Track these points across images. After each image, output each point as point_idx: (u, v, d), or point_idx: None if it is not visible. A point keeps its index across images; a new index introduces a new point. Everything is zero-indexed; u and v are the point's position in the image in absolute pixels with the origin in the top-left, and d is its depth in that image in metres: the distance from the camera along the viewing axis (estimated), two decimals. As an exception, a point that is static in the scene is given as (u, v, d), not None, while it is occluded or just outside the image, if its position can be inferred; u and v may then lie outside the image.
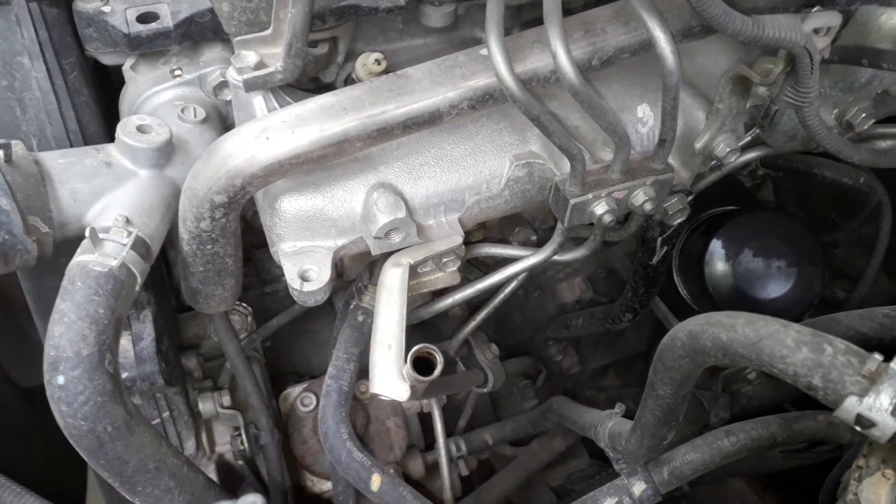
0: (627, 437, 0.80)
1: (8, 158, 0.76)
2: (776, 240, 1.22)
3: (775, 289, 1.22)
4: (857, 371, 0.51)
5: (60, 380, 0.70)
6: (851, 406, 0.51)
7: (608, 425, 0.89)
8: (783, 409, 1.14)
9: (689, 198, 0.93)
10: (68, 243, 0.83)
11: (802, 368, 0.52)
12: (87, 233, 0.76)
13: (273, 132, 0.76)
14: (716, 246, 1.24)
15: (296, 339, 1.44)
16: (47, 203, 0.79)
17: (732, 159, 0.91)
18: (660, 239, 1.00)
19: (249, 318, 1.28)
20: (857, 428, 0.51)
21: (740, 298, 1.22)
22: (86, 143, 0.93)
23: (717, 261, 1.24)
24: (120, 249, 0.75)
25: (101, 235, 0.76)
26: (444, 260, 0.90)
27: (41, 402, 1.52)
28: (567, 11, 1.06)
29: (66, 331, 0.71)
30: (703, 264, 1.24)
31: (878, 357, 0.51)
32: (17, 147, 0.78)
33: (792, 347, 0.53)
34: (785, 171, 1.26)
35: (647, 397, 0.71)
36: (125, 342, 0.99)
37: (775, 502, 1.57)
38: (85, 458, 0.74)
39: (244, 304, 1.27)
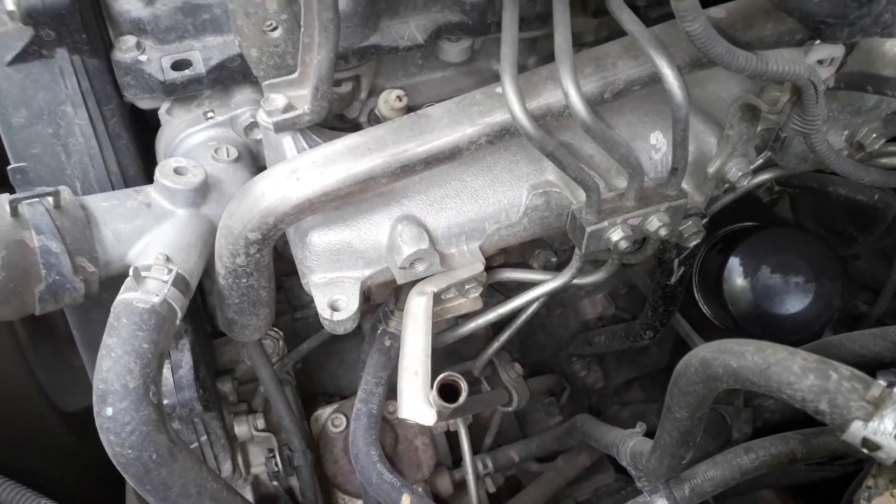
0: (648, 457, 0.83)
1: (57, 204, 0.82)
2: (794, 256, 1.24)
3: (794, 304, 1.23)
4: (861, 396, 0.53)
5: (109, 411, 0.75)
6: (857, 430, 0.53)
7: (629, 444, 0.92)
8: (805, 422, 1.15)
9: (704, 220, 0.96)
10: (111, 280, 0.89)
11: (809, 394, 0.55)
12: (130, 272, 0.81)
13: (303, 172, 0.81)
14: (734, 263, 1.25)
15: (325, 360, 1.49)
16: (93, 244, 0.84)
17: (745, 182, 0.93)
18: (676, 260, 1.03)
19: (281, 343, 1.33)
20: (864, 451, 0.54)
21: (760, 315, 1.24)
22: (126, 184, 0.99)
23: (736, 277, 1.25)
24: (161, 287, 0.80)
25: (143, 274, 0.81)
26: (467, 287, 0.94)
27: (82, 426, 1.59)
28: (579, 44, 1.11)
29: (114, 365, 0.75)
30: (721, 281, 1.26)
31: (882, 383, 0.53)
32: (65, 193, 0.84)
33: (799, 374, 0.56)
34: (799, 189, 1.28)
35: (664, 419, 0.73)
36: (165, 370, 1.04)
37: (806, 513, 1.57)
38: (132, 484, 0.78)
39: (276, 329, 1.32)
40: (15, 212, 0.79)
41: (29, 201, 0.80)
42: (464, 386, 0.76)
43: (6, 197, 0.80)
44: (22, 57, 0.92)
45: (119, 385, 0.74)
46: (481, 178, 0.94)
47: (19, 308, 0.81)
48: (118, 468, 0.77)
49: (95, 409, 0.76)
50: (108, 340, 0.77)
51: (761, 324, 1.24)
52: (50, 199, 0.81)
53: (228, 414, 1.21)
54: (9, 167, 0.86)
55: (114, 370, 0.75)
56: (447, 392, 0.78)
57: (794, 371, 0.55)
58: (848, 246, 1.39)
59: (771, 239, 1.26)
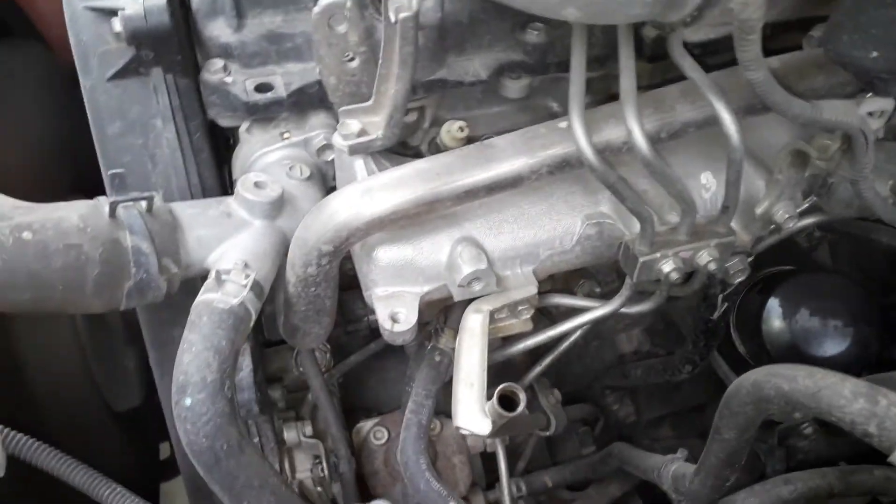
0: (691, 479, 0.86)
1: (149, 208, 0.89)
2: (832, 300, 1.27)
3: (832, 347, 1.26)
4: (907, 422, 0.57)
5: (188, 401, 0.80)
6: (902, 454, 0.57)
7: (672, 468, 0.95)
8: (838, 465, 1.17)
9: (750, 259, 1.00)
10: (187, 281, 0.95)
11: (859, 417, 0.59)
12: (212, 274, 0.88)
13: (376, 192, 0.87)
14: (773, 304, 1.29)
15: (366, 377, 1.53)
16: (178, 247, 0.91)
17: (791, 225, 0.97)
18: (721, 296, 1.07)
19: (328, 355, 1.38)
20: (909, 474, 0.57)
21: (797, 356, 1.26)
22: (204, 194, 1.06)
23: (775, 319, 1.29)
24: (240, 290, 0.86)
25: (223, 277, 0.87)
26: (519, 308, 0.99)
27: (128, 426, 1.64)
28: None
29: (194, 359, 0.81)
30: (760, 322, 1.29)
31: (929, 409, 0.57)
32: (157, 199, 0.91)
33: (849, 398, 0.60)
34: (841, 234, 1.31)
35: (711, 441, 0.77)
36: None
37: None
38: (202, 473, 0.83)
39: (325, 343, 1.37)
40: (113, 213, 0.86)
41: (125, 204, 0.87)
42: (522, 396, 0.81)
43: (106, 199, 0.87)
44: (121, 74, 1.00)
45: (198, 377, 0.80)
46: (538, 206, 0.99)
47: (109, 301, 0.87)
48: (191, 457, 0.82)
49: (174, 398, 0.81)
50: (189, 336, 0.83)
51: (798, 364, 1.26)
52: (143, 203, 0.88)
53: (278, 420, 1.26)
54: (108, 172, 0.94)
55: (194, 363, 0.81)
56: (504, 403, 0.83)
57: (844, 395, 0.59)
58: (887, 294, 1.41)
59: (811, 282, 1.29)
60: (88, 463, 1.07)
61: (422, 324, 1.22)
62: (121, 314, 1.09)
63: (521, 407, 0.80)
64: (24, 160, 1.49)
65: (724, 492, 0.85)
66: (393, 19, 0.84)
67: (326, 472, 1.21)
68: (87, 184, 1.06)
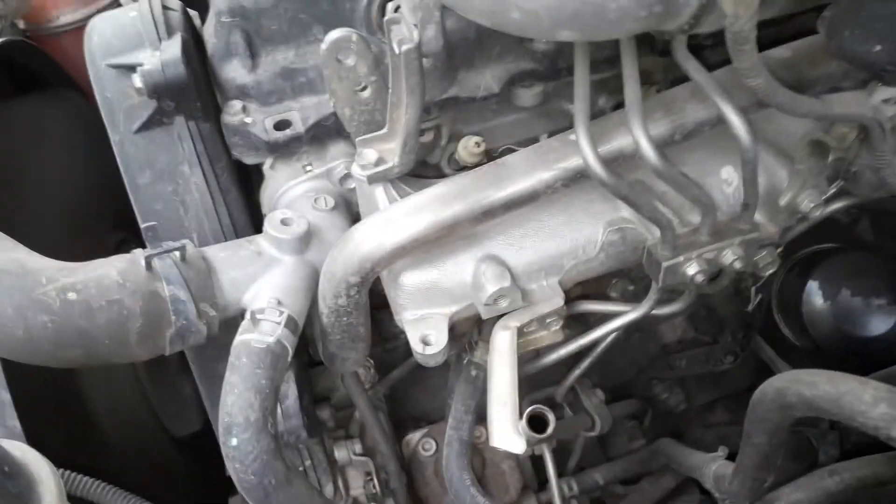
0: (730, 480, 0.86)
1: (183, 257, 0.93)
2: (875, 278, 1.24)
3: (877, 327, 1.23)
4: (931, 425, 0.56)
5: (234, 442, 0.84)
6: (929, 456, 0.56)
7: (712, 468, 0.95)
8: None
9: (779, 250, 0.99)
10: (226, 321, 0.99)
11: (881, 422, 0.58)
12: (247, 315, 0.91)
13: (396, 221, 0.89)
14: (813, 286, 1.26)
15: (409, 387, 1.56)
16: (213, 291, 0.95)
17: (818, 213, 0.96)
18: (753, 288, 1.05)
19: (372, 371, 1.41)
20: (938, 477, 0.57)
21: (841, 338, 1.24)
22: (236, 233, 1.10)
23: (816, 300, 1.26)
24: (275, 328, 0.90)
25: (258, 317, 0.91)
26: (548, 320, 1.00)
27: (189, 450, 1.71)
28: (649, 83, 1.15)
29: (237, 400, 0.85)
30: (801, 304, 1.27)
31: (953, 411, 0.56)
32: (189, 247, 0.95)
33: (870, 403, 0.59)
34: (877, 213, 1.28)
35: (744, 444, 0.77)
36: (273, 401, 1.13)
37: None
38: (254, 507, 0.87)
39: (368, 358, 1.41)
40: (149, 266, 0.90)
41: (160, 256, 0.91)
42: (551, 418, 0.83)
43: (141, 253, 0.91)
44: (147, 125, 1.05)
45: (242, 418, 0.84)
46: (558, 217, 1.00)
47: (153, 349, 0.92)
48: (242, 493, 0.86)
49: (221, 439, 0.85)
50: (230, 378, 0.87)
51: (843, 347, 1.24)
52: (177, 253, 0.92)
53: (328, 439, 1.30)
54: (142, 225, 0.98)
55: (237, 405, 0.85)
56: (535, 422, 0.84)
57: (865, 400, 0.59)
58: (932, 267, 1.37)
59: (851, 261, 1.27)
60: (153, 488, 1.13)
61: (459, 335, 1.25)
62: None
63: (551, 428, 0.82)
64: (68, 204, 1.56)
65: (766, 490, 0.85)
66: (396, 51, 0.86)
67: (378, 488, 1.25)
68: (127, 223, 1.11)
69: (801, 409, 0.63)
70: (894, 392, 0.58)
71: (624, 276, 1.26)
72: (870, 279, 1.23)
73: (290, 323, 0.91)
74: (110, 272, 0.88)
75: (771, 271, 0.99)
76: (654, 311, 1.04)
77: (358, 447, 1.28)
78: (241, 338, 0.89)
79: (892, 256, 1.28)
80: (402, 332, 1.34)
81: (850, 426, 1.25)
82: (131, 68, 1.02)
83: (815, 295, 1.26)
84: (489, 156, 1.10)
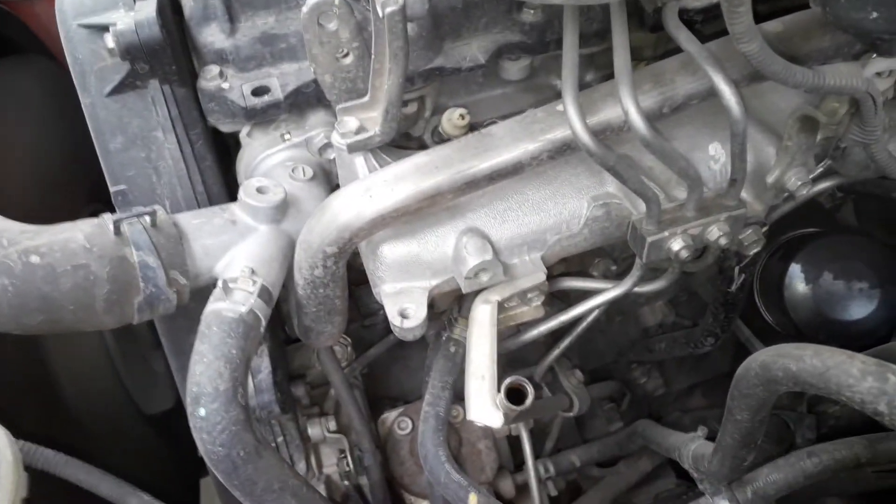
0: (710, 459, 0.85)
1: (153, 223, 0.89)
2: (857, 262, 1.23)
3: (858, 311, 1.23)
4: (919, 399, 0.55)
5: (202, 412, 0.81)
6: (916, 432, 0.55)
7: (691, 447, 0.94)
8: (872, 428, 1.15)
9: (764, 228, 0.97)
10: (199, 290, 0.96)
11: (868, 396, 0.57)
12: (219, 284, 0.88)
13: (375, 190, 0.86)
14: (795, 269, 1.26)
15: (390, 365, 1.54)
16: (185, 259, 0.92)
17: (805, 191, 0.94)
18: (737, 268, 1.04)
19: (349, 349, 1.39)
20: (924, 452, 0.56)
21: (822, 322, 1.24)
22: (210, 202, 1.07)
23: (797, 284, 1.26)
24: (248, 297, 0.87)
25: (231, 285, 0.88)
26: (529, 295, 0.98)
27: (162, 428, 1.68)
28: (639, 59, 1.14)
29: (206, 370, 0.82)
30: (783, 288, 1.27)
31: (941, 386, 0.55)
32: (160, 212, 0.91)
33: (858, 377, 0.58)
34: (861, 195, 1.28)
35: (726, 422, 0.76)
36: (246, 375, 1.11)
37: (875, 522, 1.54)
38: (222, 479, 0.85)
39: (344, 336, 1.38)
40: (117, 230, 0.87)
41: (129, 220, 0.88)
42: (530, 389, 0.81)
43: (110, 217, 0.88)
44: (119, 88, 1.01)
45: (211, 388, 0.81)
46: (542, 190, 0.98)
47: (121, 317, 0.89)
48: (209, 465, 0.84)
49: (189, 409, 0.82)
50: (199, 347, 0.84)
51: (824, 330, 1.24)
52: (147, 217, 0.89)
53: (302, 416, 1.28)
54: (111, 190, 0.95)
55: (206, 374, 0.82)
56: (514, 395, 0.82)
57: (852, 374, 0.57)
58: (915, 252, 1.37)
59: (833, 244, 1.26)
60: (123, 466, 1.10)
61: (438, 313, 1.22)
62: (146, 321, 1.11)
63: (530, 400, 0.80)
64: (39, 174, 1.51)
65: (745, 469, 0.84)
66: (380, 14, 0.83)
67: (351, 466, 1.23)
68: (103, 194, 1.07)
69: (787, 383, 0.62)
70: (883, 366, 0.57)
71: (606, 256, 1.25)
72: (852, 263, 1.23)
73: (264, 293, 0.89)
74: (76, 236, 0.85)
75: (756, 250, 0.97)
76: (636, 289, 1.03)
77: (332, 424, 1.26)
78: (212, 306, 0.87)
79: (875, 240, 1.28)
80: (381, 309, 1.33)
81: (827, 412, 1.27)
82: (104, 28, 0.98)
83: (797, 278, 1.25)
84: (474, 129, 1.07)
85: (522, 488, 1.38)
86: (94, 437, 1.40)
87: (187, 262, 0.92)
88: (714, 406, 1.76)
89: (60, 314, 0.82)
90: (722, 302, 1.13)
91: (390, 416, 1.37)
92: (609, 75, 0.89)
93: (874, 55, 0.81)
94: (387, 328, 1.39)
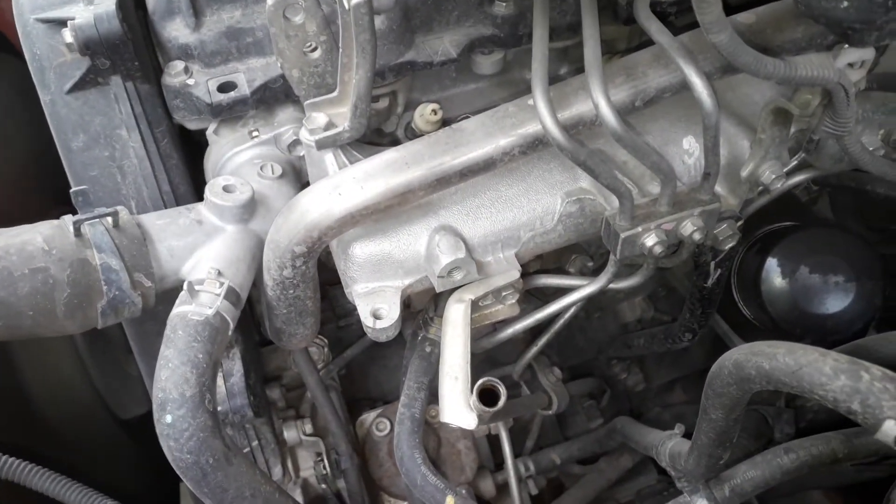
0: (686, 458, 0.84)
1: (115, 224, 0.87)
2: (832, 255, 1.23)
3: (834, 304, 1.23)
4: (893, 396, 0.54)
5: (168, 419, 0.79)
6: (890, 429, 0.54)
7: (668, 446, 0.93)
8: (850, 422, 1.14)
9: (739, 223, 0.96)
10: (166, 293, 0.93)
11: (841, 395, 0.56)
12: (185, 286, 0.86)
13: (344, 188, 0.84)
14: (771, 263, 1.25)
15: (368, 366, 1.52)
16: (149, 261, 0.89)
17: (779, 185, 0.94)
18: (713, 263, 1.03)
19: (326, 350, 1.37)
20: (897, 449, 0.55)
21: (799, 316, 1.23)
22: (177, 202, 1.04)
23: (774, 278, 1.25)
24: (214, 300, 0.85)
25: (196, 288, 0.85)
26: (504, 293, 0.96)
27: (138, 432, 1.65)
28: (612, 52, 1.12)
29: (171, 375, 0.80)
30: (760, 282, 1.26)
31: (915, 382, 0.54)
32: (123, 212, 0.89)
33: (830, 375, 0.57)
34: (837, 188, 1.27)
35: (700, 420, 0.75)
36: (217, 379, 1.08)
37: (857, 514, 1.55)
38: (191, 487, 0.83)
39: (321, 337, 1.36)
40: (78, 232, 0.84)
41: (90, 222, 0.85)
42: (502, 390, 0.79)
43: (70, 218, 0.85)
44: (80, 85, 0.98)
45: (177, 394, 0.79)
46: (515, 187, 0.96)
47: (83, 322, 0.86)
48: (178, 472, 0.81)
49: (155, 416, 0.80)
50: (165, 352, 0.81)
51: (801, 324, 1.24)
52: (109, 219, 0.86)
53: (277, 419, 1.25)
54: (71, 190, 0.92)
55: (172, 380, 0.79)
56: (487, 396, 0.81)
57: (825, 372, 0.56)
58: (890, 244, 1.37)
59: (809, 238, 1.26)
60: (98, 473, 1.07)
61: (414, 312, 1.21)
62: (119, 324, 1.08)
63: (502, 401, 0.78)
64: (4, 176, 1.47)
65: (722, 468, 0.83)
66: (346, 6, 0.81)
67: (329, 469, 1.21)
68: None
69: (760, 382, 0.61)
70: (855, 364, 0.56)
71: (583, 252, 1.24)
72: (828, 256, 1.23)
73: (231, 294, 0.86)
74: (35, 238, 0.82)
75: (731, 245, 0.96)
76: (612, 285, 1.01)
77: (308, 427, 1.24)
78: (177, 310, 0.84)
79: (851, 234, 1.28)
80: (355, 310, 1.31)
81: (805, 406, 1.26)
82: (62, 23, 0.95)
83: (773, 272, 1.25)
84: (447, 125, 1.06)
85: (503, 487, 1.37)
86: (67, 444, 1.37)
87: (152, 265, 0.89)
88: (694, 401, 1.76)
89: (19, 320, 0.80)
90: (698, 297, 1.12)
91: (368, 417, 1.35)
92: (583, 68, 0.88)
93: (846, 45, 0.80)
94: (363, 328, 1.37)
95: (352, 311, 1.34)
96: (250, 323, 1.27)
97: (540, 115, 0.79)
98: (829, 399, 0.56)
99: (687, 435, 0.92)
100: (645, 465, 1.57)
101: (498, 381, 0.80)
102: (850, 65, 0.84)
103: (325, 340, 1.38)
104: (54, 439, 1.37)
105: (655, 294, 1.59)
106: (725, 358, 0.65)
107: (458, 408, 0.83)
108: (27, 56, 0.99)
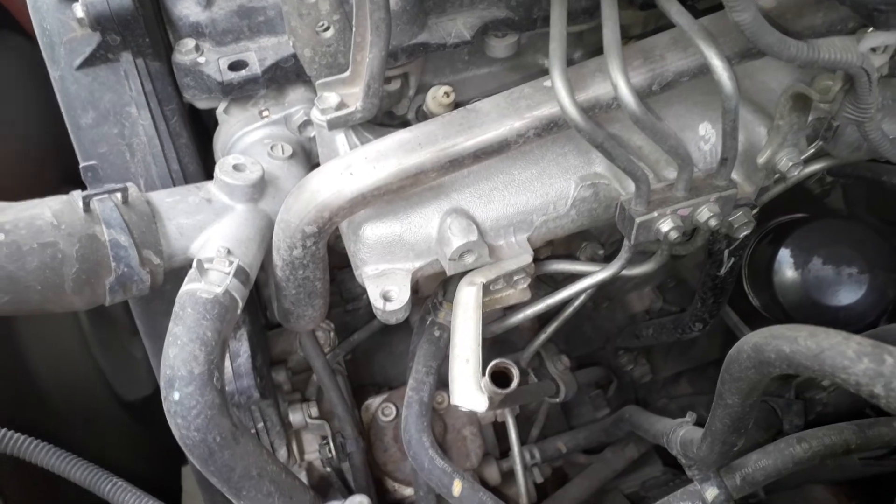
0: (699, 444, 0.83)
1: (125, 200, 0.86)
2: (846, 246, 1.22)
3: (847, 296, 1.21)
4: (916, 381, 0.53)
5: (176, 396, 0.78)
6: (913, 414, 0.53)
7: (679, 433, 0.92)
8: (863, 414, 1.13)
9: (754, 211, 0.95)
10: (173, 272, 0.93)
11: (864, 378, 0.55)
12: (194, 264, 0.85)
13: (356, 168, 0.83)
14: (784, 255, 1.24)
15: (374, 351, 1.52)
16: (158, 238, 0.88)
17: (796, 172, 0.92)
18: (726, 251, 1.02)
19: (332, 334, 1.36)
20: (920, 435, 0.54)
21: (811, 307, 1.22)
22: (186, 180, 1.03)
23: (786, 269, 1.24)
24: (223, 278, 0.84)
25: (206, 266, 0.84)
26: (515, 278, 0.95)
27: (141, 414, 1.65)
28: (627, 37, 1.11)
29: (180, 352, 0.79)
30: (772, 273, 1.25)
31: (939, 366, 0.53)
32: (132, 189, 0.88)
33: (853, 358, 0.56)
34: (852, 179, 1.26)
35: (716, 406, 0.74)
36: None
37: (859, 510, 1.54)
38: (197, 466, 0.82)
39: (327, 321, 1.36)
40: (87, 207, 0.83)
41: (99, 197, 0.85)
42: (515, 372, 0.78)
43: (79, 193, 0.84)
44: (90, 61, 0.97)
45: (185, 371, 0.78)
46: (529, 170, 0.95)
47: (91, 299, 0.85)
48: (184, 450, 0.81)
49: (163, 393, 0.79)
50: (174, 329, 0.81)
51: (813, 315, 1.23)
52: (119, 195, 0.85)
53: (283, 402, 1.25)
54: (81, 165, 0.91)
55: (180, 357, 0.79)
56: (499, 379, 0.80)
57: (848, 355, 0.55)
58: (905, 236, 1.36)
59: (822, 229, 1.25)
60: (101, 453, 1.06)
61: (422, 297, 1.20)
62: (124, 305, 1.08)
63: (515, 383, 0.77)
64: (11, 155, 1.47)
65: (734, 455, 0.82)
66: (361, -17, 0.80)
67: (334, 452, 1.20)
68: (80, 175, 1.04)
69: (780, 365, 0.60)
70: (879, 347, 0.55)
71: (593, 239, 1.23)
72: (841, 248, 1.22)
73: (241, 273, 0.85)
74: (44, 213, 0.81)
75: (746, 232, 0.95)
76: (624, 272, 1.00)
77: (314, 410, 1.23)
78: (186, 287, 0.83)
79: (864, 225, 1.27)
80: (365, 294, 1.30)
81: (815, 398, 1.26)
82: (73, -3, 0.94)
83: (786, 263, 1.24)
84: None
85: (508, 475, 1.36)
86: (70, 425, 1.37)
87: (161, 242, 0.89)
88: (699, 393, 1.75)
89: (27, 294, 0.79)
90: (710, 286, 1.11)
91: (374, 402, 1.34)
92: (597, 53, 0.86)
93: (870, 29, 0.79)
94: (370, 313, 1.36)
95: (359, 295, 1.33)
96: (257, 305, 1.27)
97: (558, 95, 0.77)
98: (851, 383, 0.55)
99: (698, 423, 0.91)
100: (650, 457, 1.56)
101: (511, 363, 0.79)
102: (874, 49, 0.83)
103: (332, 325, 1.38)
104: (58, 419, 1.36)
105: (664, 285, 1.58)
106: (744, 341, 0.64)
107: (468, 390, 0.82)
108: (37, 31, 0.98)
